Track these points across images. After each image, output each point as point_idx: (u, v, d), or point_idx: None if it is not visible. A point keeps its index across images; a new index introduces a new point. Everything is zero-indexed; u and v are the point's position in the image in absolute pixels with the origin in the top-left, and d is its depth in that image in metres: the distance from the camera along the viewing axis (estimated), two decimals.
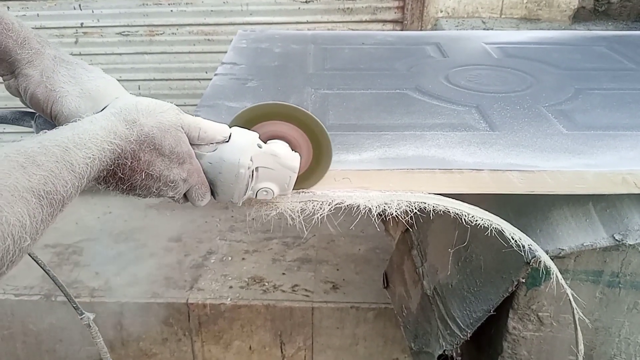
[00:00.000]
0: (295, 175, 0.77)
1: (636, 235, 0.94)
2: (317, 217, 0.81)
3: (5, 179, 0.48)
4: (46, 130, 0.57)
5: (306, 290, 2.00)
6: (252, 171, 0.73)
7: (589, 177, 0.83)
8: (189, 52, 2.44)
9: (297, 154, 0.78)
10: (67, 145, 0.54)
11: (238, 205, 0.76)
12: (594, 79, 1.24)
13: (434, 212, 0.85)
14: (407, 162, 0.86)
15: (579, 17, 2.21)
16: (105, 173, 0.60)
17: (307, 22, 2.32)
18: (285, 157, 0.75)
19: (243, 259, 2.19)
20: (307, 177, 0.82)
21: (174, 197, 0.70)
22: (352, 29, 2.29)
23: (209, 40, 2.40)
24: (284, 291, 1.99)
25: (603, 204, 0.97)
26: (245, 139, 0.72)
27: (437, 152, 0.90)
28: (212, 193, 0.74)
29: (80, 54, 2.48)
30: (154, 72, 2.50)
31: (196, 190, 0.71)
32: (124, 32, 2.43)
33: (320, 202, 0.81)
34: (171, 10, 2.36)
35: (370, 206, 0.81)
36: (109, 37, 2.45)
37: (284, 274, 2.10)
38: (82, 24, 2.42)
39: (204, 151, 0.70)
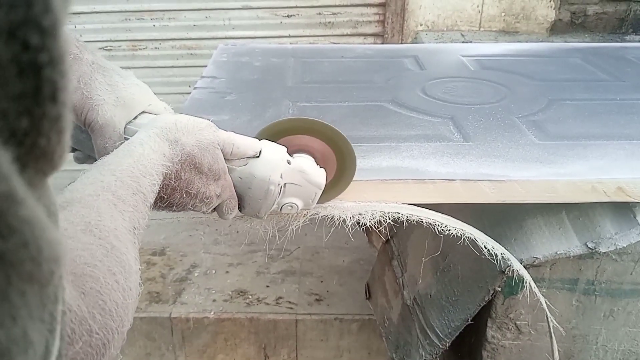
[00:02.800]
0: (321, 192, 0.78)
1: (608, 243, 0.96)
2: (292, 229, 0.81)
3: (114, 223, 0.48)
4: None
5: (290, 302, 2.00)
6: (281, 187, 0.73)
7: (559, 186, 0.85)
8: (172, 67, 2.45)
9: (322, 170, 0.78)
10: (137, 174, 0.54)
11: (262, 219, 0.76)
12: (567, 90, 1.26)
13: (408, 222, 0.86)
14: (381, 173, 0.87)
15: (556, 29, 2.25)
16: None
17: (289, 36, 2.34)
18: (312, 173, 0.75)
19: (227, 272, 2.19)
20: (328, 189, 0.81)
21: (205, 211, 0.70)
22: (334, 43, 2.32)
23: (191, 54, 2.41)
24: (267, 304, 1.99)
25: (576, 213, 0.98)
26: (275, 155, 0.72)
27: (411, 163, 0.91)
28: (239, 207, 0.74)
29: None
30: None
31: (227, 205, 0.71)
32: (106, 47, 2.44)
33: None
34: (154, 25, 2.37)
35: (344, 217, 0.82)
36: None
37: (267, 286, 2.09)
38: None
39: (235, 165, 0.70)
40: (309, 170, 0.75)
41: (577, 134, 1.02)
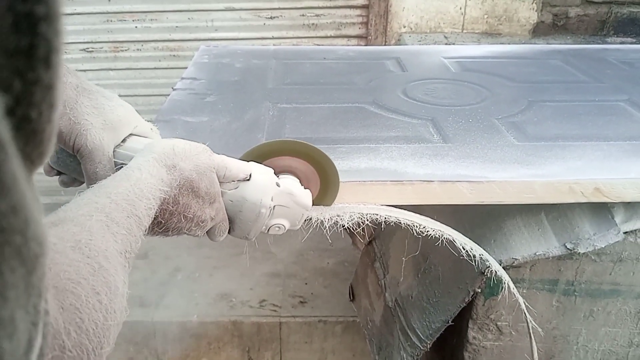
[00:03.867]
0: (307, 213, 0.78)
1: (587, 244, 0.96)
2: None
3: (105, 244, 0.47)
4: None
5: (274, 305, 1.99)
6: (271, 210, 0.73)
7: (536, 187, 0.85)
8: (155, 68, 2.43)
9: (308, 191, 0.79)
10: (132, 198, 0.54)
11: (251, 240, 0.77)
12: (547, 91, 1.27)
13: (386, 223, 0.86)
14: (359, 175, 0.87)
15: (538, 31, 2.26)
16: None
17: (273, 38, 2.34)
18: (299, 195, 0.76)
19: (211, 275, 2.17)
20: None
21: (200, 235, 0.69)
22: (317, 44, 2.31)
23: (174, 56, 2.40)
24: (251, 307, 1.98)
25: (555, 214, 0.99)
26: (265, 178, 0.73)
27: (389, 164, 0.91)
28: (229, 229, 0.74)
29: None
30: (119, 88, 2.48)
31: (219, 227, 0.71)
32: (87, 48, 2.42)
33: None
34: (136, 27, 2.36)
35: (322, 218, 0.82)
36: (72, 54, 2.43)
37: (252, 289, 2.08)
38: None
39: (226, 188, 0.70)
40: (297, 192, 0.76)
41: (555, 135, 1.02)
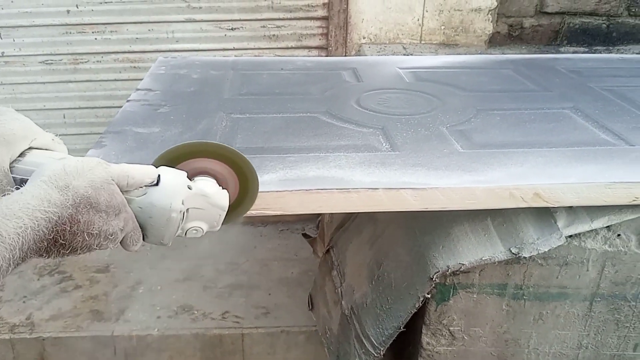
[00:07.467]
0: (224, 213, 0.77)
1: (531, 248, 0.98)
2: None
3: None
4: None
5: (236, 316, 1.98)
6: (183, 213, 0.72)
7: (478, 193, 0.87)
8: (115, 80, 2.41)
9: (225, 191, 0.78)
10: None
11: (167, 245, 0.75)
12: (496, 100, 1.30)
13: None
14: (306, 183, 0.88)
15: (494, 41, 2.32)
16: (46, 243, 0.59)
17: (234, 49, 2.34)
18: (214, 196, 0.75)
19: (173, 287, 2.15)
20: (233, 209, 0.81)
21: (113, 247, 0.69)
22: (278, 55, 2.33)
23: (135, 67, 2.38)
24: (213, 319, 1.97)
25: (500, 219, 1.01)
26: (175, 181, 0.72)
27: (337, 172, 0.92)
28: (143, 236, 0.73)
29: (1, 84, 2.42)
30: (79, 101, 2.45)
31: (131, 237, 0.70)
32: (47, 60, 2.39)
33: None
34: (95, 39, 2.34)
35: None
36: (31, 66, 2.40)
37: (214, 301, 2.07)
38: (2, 53, 2.36)
39: (134, 195, 0.69)
40: (211, 193, 0.75)
41: (500, 143, 1.05)
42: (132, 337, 1.88)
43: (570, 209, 0.98)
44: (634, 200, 0.90)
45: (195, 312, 2.00)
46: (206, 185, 0.76)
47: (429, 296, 1.04)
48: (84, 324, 1.94)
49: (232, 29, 2.31)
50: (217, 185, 0.78)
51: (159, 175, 0.71)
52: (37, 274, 2.25)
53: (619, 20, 2.34)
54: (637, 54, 2.23)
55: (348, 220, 1.39)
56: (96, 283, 2.18)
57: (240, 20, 2.30)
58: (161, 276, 2.22)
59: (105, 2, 2.28)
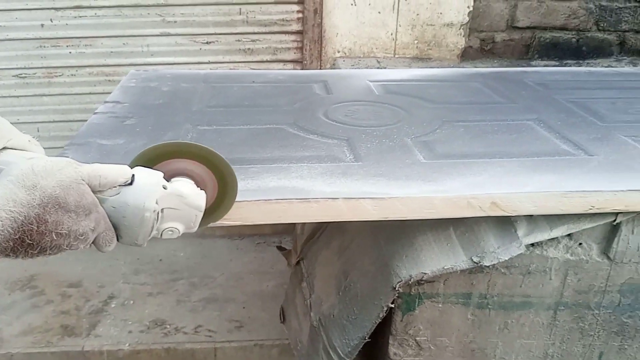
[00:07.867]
0: (202, 214, 0.77)
1: (492, 257, 0.99)
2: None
3: None
4: None
5: (209, 330, 1.96)
6: (158, 213, 0.71)
7: (436, 202, 0.88)
8: (90, 93, 2.40)
9: (203, 192, 0.77)
10: None
11: (143, 246, 0.75)
12: (462, 112, 1.31)
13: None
14: (266, 193, 0.88)
15: (467, 56, 2.35)
16: (12, 243, 0.59)
17: (209, 62, 2.35)
18: (190, 196, 0.75)
19: (145, 302, 2.13)
20: (213, 211, 0.81)
21: (84, 247, 0.68)
22: (253, 69, 2.34)
23: (109, 81, 2.38)
24: (186, 333, 1.95)
25: (462, 229, 1.02)
26: (149, 181, 0.71)
27: (298, 182, 0.92)
28: (116, 236, 0.72)
29: None
30: (54, 114, 2.44)
31: (103, 237, 0.69)
32: (20, 74, 2.38)
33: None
34: (70, 52, 2.33)
35: None
36: (5, 80, 2.39)
37: (187, 315, 2.05)
38: None
39: (107, 195, 0.68)
40: (187, 194, 0.74)
41: (461, 153, 1.06)
42: (103, 352, 1.86)
43: (530, 218, 0.99)
44: (590, 209, 0.92)
45: (168, 327, 1.98)
46: (183, 185, 0.75)
47: (392, 306, 1.04)
48: (54, 339, 1.91)
49: (207, 42, 2.32)
50: (195, 186, 0.77)
51: (133, 175, 0.70)
52: (8, 289, 2.22)
53: (588, 35, 2.39)
54: (605, 67, 2.28)
55: (318, 232, 1.39)
56: (68, 298, 2.16)
57: (215, 34, 2.32)
58: (134, 290, 2.20)
59: (80, 17, 2.28)
